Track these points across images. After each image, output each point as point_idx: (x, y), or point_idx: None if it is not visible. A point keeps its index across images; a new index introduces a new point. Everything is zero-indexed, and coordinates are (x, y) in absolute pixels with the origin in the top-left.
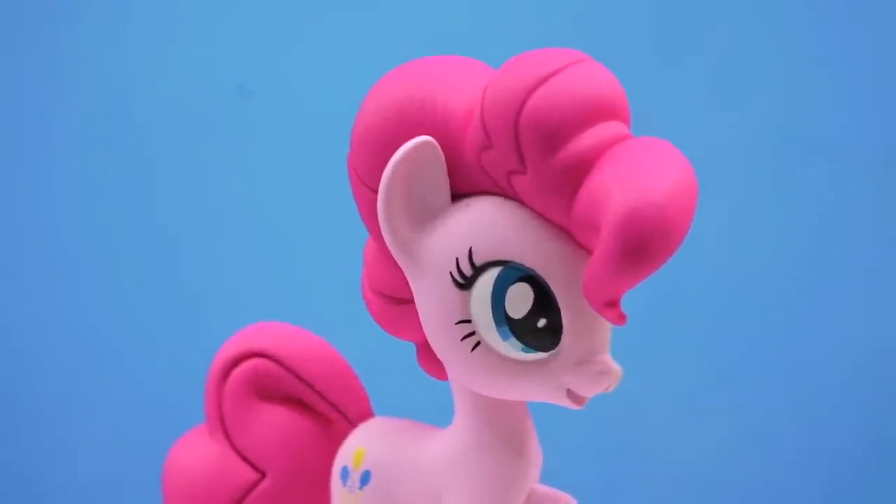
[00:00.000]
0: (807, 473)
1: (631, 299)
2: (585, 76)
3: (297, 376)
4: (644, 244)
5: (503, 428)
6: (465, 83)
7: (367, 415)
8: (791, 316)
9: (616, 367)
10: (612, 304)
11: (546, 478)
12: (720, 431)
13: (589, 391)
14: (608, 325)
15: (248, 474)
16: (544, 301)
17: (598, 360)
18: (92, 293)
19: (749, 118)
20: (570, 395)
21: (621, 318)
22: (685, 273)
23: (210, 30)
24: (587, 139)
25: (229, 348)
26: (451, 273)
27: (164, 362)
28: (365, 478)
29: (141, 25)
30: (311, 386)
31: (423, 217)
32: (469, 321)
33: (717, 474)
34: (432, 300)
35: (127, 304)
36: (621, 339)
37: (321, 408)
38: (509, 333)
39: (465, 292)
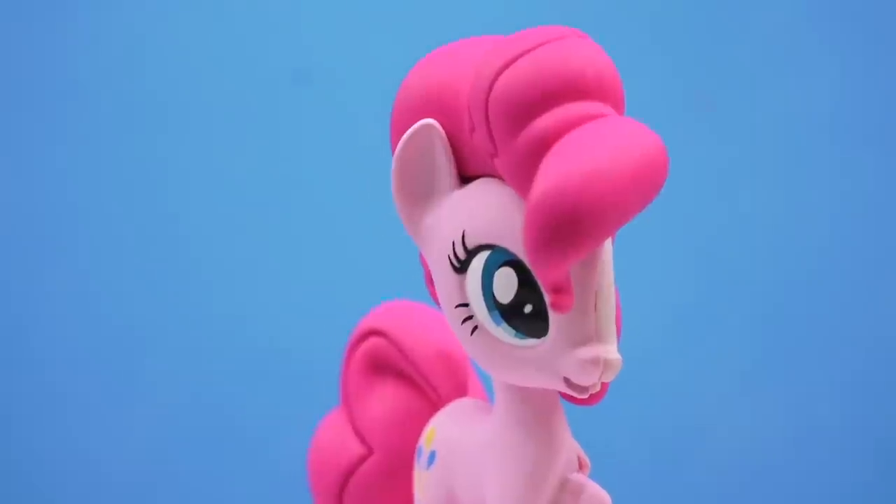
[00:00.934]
0: (862, 455)
1: (687, 281)
2: (557, 54)
3: (406, 356)
4: (549, 232)
5: (528, 411)
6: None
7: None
8: (847, 299)
9: (610, 356)
10: (557, 289)
11: (602, 461)
12: (777, 413)
13: (582, 380)
14: (604, 312)
15: (358, 449)
16: (528, 286)
17: (586, 349)
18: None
19: (803, 105)
20: (569, 383)
21: (561, 306)
22: (740, 255)
23: (264, 12)
24: (549, 119)
25: (359, 325)
26: (448, 256)
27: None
28: (431, 457)
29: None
30: (416, 366)
31: (430, 199)
32: (467, 305)
33: (773, 457)
34: (439, 282)
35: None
36: (677, 322)
37: (425, 389)
38: (500, 318)
39: (461, 276)
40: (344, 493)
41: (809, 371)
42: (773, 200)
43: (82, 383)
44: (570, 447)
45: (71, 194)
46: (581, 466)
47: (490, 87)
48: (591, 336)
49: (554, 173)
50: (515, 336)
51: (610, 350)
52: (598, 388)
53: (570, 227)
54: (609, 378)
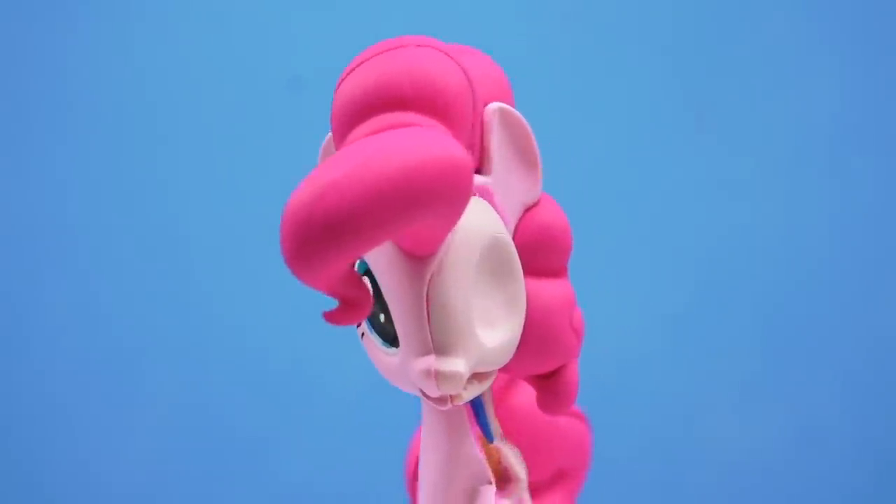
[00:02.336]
0: (863, 465)
1: (687, 288)
2: (380, 66)
3: None
4: (287, 243)
5: (433, 420)
6: None
7: None
8: (848, 308)
9: (442, 367)
10: (343, 301)
11: (603, 468)
12: (778, 423)
13: (425, 391)
14: (439, 325)
15: None
16: (379, 296)
17: (422, 360)
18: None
19: (803, 111)
20: (423, 393)
21: (331, 318)
22: (741, 264)
23: (260, 20)
24: (363, 129)
25: None
26: None
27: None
28: None
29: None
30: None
31: None
32: None
33: (774, 465)
34: None
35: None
36: (679, 331)
37: None
38: (370, 326)
39: None
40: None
41: (810, 376)
42: (773, 207)
43: (83, 389)
44: (472, 459)
45: (71, 199)
46: (507, 480)
47: (333, 99)
48: (429, 348)
49: (301, 185)
50: (382, 344)
51: (444, 362)
52: (452, 399)
53: (303, 238)
54: (448, 390)
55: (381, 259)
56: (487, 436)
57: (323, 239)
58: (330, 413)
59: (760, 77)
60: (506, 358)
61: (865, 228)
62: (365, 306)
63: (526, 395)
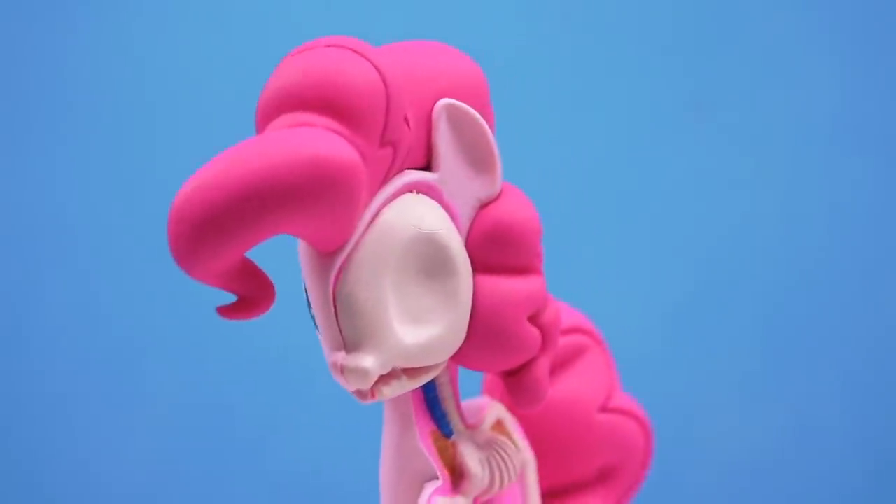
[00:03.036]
0: (862, 463)
1: (688, 287)
2: (291, 66)
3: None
4: (169, 238)
5: (387, 413)
6: None
7: None
8: (845, 305)
9: (347, 363)
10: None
11: None
12: (777, 421)
13: (342, 385)
14: (346, 322)
15: None
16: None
17: (332, 355)
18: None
19: (800, 108)
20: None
21: (221, 312)
22: (738, 261)
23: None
24: (266, 129)
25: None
26: None
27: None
28: None
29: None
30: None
31: None
32: None
33: (773, 464)
34: None
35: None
36: (678, 329)
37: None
38: (312, 320)
39: None
40: None
41: (810, 373)
42: (773, 201)
43: (82, 387)
44: (416, 453)
45: (71, 197)
46: (461, 477)
47: None
48: (339, 343)
49: (184, 182)
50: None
51: (350, 357)
52: (371, 394)
53: (178, 235)
54: (356, 385)
55: (301, 254)
56: (443, 430)
57: (193, 236)
58: (329, 408)
59: (759, 70)
60: (441, 354)
61: (865, 224)
62: (260, 302)
63: (555, 392)
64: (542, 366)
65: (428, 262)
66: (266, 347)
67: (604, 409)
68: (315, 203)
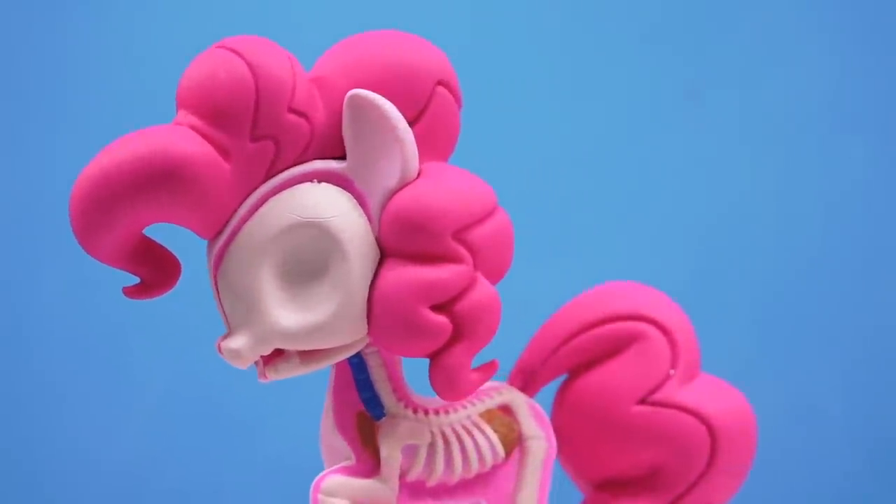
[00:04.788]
0: (854, 449)
1: (682, 275)
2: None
3: (674, 349)
4: None
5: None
6: None
7: None
8: (840, 289)
9: (223, 344)
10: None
11: None
12: (770, 408)
13: None
14: (226, 307)
15: None
16: None
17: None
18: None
19: (793, 90)
20: None
21: (125, 292)
22: (733, 248)
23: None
24: None
25: (616, 305)
26: None
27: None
28: None
29: None
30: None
31: None
32: None
33: (765, 450)
34: None
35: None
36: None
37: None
38: None
39: None
40: None
41: (807, 365)
42: (769, 189)
43: (76, 375)
44: (330, 433)
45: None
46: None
47: None
48: (226, 325)
49: None
50: None
51: (227, 339)
52: (263, 374)
53: (69, 216)
54: (234, 365)
55: None
56: (372, 411)
57: (74, 219)
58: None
59: (756, 57)
60: (330, 339)
61: (864, 211)
62: (160, 285)
63: (589, 381)
64: (457, 355)
65: (315, 249)
66: None
67: (644, 400)
68: (156, 192)
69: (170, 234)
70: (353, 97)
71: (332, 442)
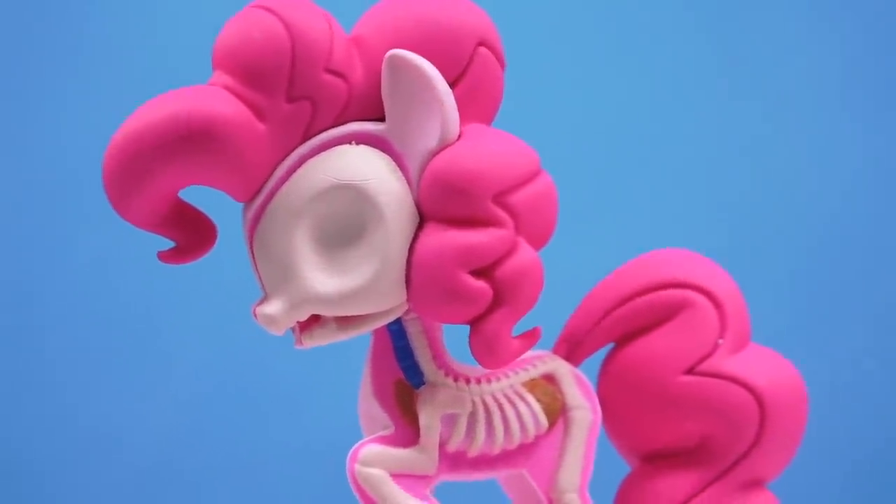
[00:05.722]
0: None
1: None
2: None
3: (722, 315)
4: None
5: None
6: None
7: None
8: (866, 265)
9: (258, 309)
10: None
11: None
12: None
13: None
14: (262, 272)
15: None
16: None
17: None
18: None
19: (821, 68)
20: None
21: (160, 256)
22: (775, 219)
23: None
24: None
25: (665, 273)
26: None
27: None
28: None
29: None
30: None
31: None
32: None
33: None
34: None
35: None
36: None
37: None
38: None
39: None
40: None
41: (839, 340)
42: (814, 164)
43: (102, 361)
44: (373, 402)
45: (87, 185)
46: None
47: None
48: (262, 289)
49: None
50: None
51: (262, 304)
52: (299, 341)
53: (103, 181)
54: (270, 330)
55: None
56: (411, 380)
57: (108, 184)
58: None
59: (783, 36)
60: (368, 305)
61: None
62: (195, 248)
63: (635, 350)
64: (497, 321)
65: (352, 212)
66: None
67: (692, 370)
68: (188, 153)
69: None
70: (392, 57)
71: (370, 410)
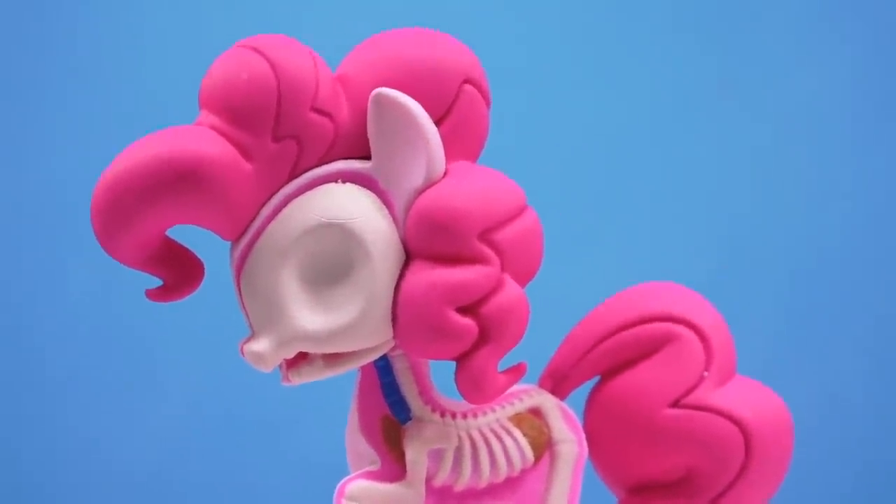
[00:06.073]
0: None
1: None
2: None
3: (709, 353)
4: None
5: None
6: None
7: None
8: (872, 278)
9: (245, 346)
10: None
11: None
12: (797, 397)
13: None
14: (249, 310)
15: None
16: None
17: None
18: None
19: (828, 77)
20: None
21: (148, 294)
22: (760, 243)
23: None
24: None
25: (654, 308)
26: None
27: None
28: None
29: None
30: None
31: None
32: None
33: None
34: None
35: None
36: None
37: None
38: None
39: None
40: None
41: (830, 359)
42: (795, 186)
43: (98, 379)
44: (356, 437)
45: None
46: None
47: None
48: (250, 327)
49: None
50: None
51: (250, 342)
52: (286, 377)
53: (91, 220)
54: (258, 367)
55: None
56: (397, 415)
57: (95, 223)
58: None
59: (784, 47)
60: (354, 342)
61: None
62: (183, 286)
63: (621, 383)
64: (483, 357)
65: (338, 251)
66: None
67: (677, 403)
68: (175, 193)
69: (192, 236)
70: (378, 96)
71: (358, 446)
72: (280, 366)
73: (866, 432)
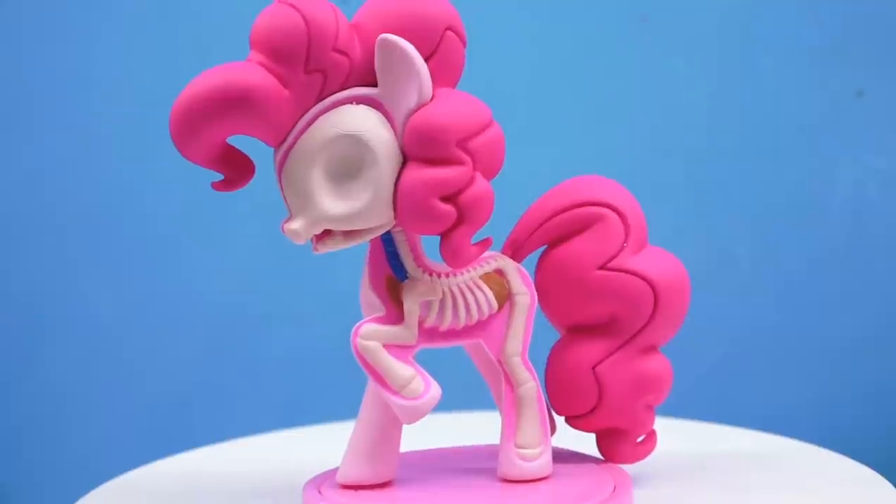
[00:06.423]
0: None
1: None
2: (259, 17)
3: (627, 230)
4: None
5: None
6: None
7: None
8: (755, 163)
9: (284, 225)
10: None
11: None
12: (694, 260)
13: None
14: (287, 192)
15: None
16: None
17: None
18: None
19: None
20: None
21: (214, 186)
22: (668, 133)
23: None
24: None
25: (582, 193)
26: None
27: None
28: None
29: None
30: (630, 234)
31: None
32: None
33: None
34: None
35: None
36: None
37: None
38: None
39: None
40: None
41: (723, 224)
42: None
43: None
44: (370, 292)
45: (80, 195)
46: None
47: None
48: (289, 211)
49: None
50: None
51: (287, 222)
52: (315, 248)
53: (169, 128)
54: (293, 241)
55: None
56: (397, 275)
57: (172, 131)
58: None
59: None
60: (365, 222)
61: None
62: (237, 179)
63: (561, 251)
64: (462, 234)
65: (350, 155)
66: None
67: (603, 266)
68: (231, 112)
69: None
70: (383, 40)
71: (368, 299)
72: (311, 239)
73: (748, 287)
